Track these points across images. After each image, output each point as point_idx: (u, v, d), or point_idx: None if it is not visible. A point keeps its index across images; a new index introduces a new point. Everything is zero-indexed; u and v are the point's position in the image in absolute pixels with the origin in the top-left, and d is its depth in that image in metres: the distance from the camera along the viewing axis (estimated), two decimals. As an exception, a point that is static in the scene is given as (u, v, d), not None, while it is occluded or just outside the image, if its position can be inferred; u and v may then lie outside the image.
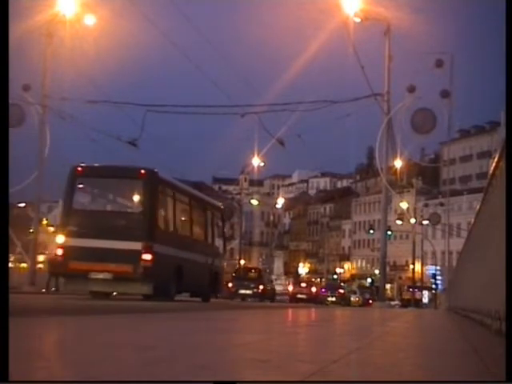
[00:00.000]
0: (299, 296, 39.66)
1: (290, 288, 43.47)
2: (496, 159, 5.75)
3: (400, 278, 79.14)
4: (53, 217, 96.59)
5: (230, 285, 32.39)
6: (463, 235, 32.63)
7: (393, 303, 51.86)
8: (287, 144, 29.07)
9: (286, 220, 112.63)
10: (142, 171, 15.39)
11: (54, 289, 23.54)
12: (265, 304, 26.53)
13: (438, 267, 58.69)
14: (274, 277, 66.39)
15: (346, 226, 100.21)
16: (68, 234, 15.23)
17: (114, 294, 16.40)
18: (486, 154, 76.60)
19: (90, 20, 24.05)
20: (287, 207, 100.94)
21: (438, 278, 56.82)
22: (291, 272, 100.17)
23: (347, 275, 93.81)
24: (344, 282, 78.98)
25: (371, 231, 60.47)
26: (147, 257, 14.63)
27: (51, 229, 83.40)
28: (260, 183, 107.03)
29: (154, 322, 7.52)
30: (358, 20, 23.80)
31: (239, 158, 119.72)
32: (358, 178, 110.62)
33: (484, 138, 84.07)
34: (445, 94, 23.92)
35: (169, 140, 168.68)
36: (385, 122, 24.66)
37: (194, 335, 5.41)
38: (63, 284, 16.39)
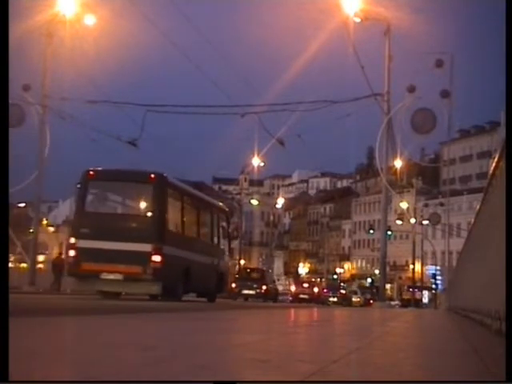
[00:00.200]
0: (301, 296, 39.89)
1: (293, 288, 43.61)
2: (496, 159, 5.75)
3: (400, 277, 79.12)
4: (53, 217, 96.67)
5: (233, 285, 32.52)
6: (463, 235, 32.63)
7: (393, 303, 51.87)
8: (287, 144, 29.11)
9: (286, 220, 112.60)
10: (152, 175, 15.96)
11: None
12: (267, 304, 26.59)
13: (438, 267, 58.69)
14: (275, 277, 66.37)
15: (346, 225, 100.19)
16: (80, 236, 15.67)
17: (123, 294, 16.74)
18: (486, 154, 76.58)
19: (89, 20, 24.06)
20: (287, 207, 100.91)
21: (438, 277, 56.82)
22: (291, 272, 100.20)
23: (347, 275, 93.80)
24: (344, 282, 79.01)
25: (371, 231, 60.46)
26: (157, 258, 15.15)
27: (51, 229, 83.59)
28: (260, 183, 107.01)
29: (154, 321, 7.52)
30: (358, 20, 23.80)
31: (239, 157, 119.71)
32: (357, 177, 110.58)
33: (484, 137, 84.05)
34: (445, 94, 23.92)
35: (169, 140, 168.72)
36: (385, 122, 24.66)
37: (194, 335, 5.40)
38: (75, 284, 16.73)
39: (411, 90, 24.26)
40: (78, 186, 16.47)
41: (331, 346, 5.33)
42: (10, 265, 34.43)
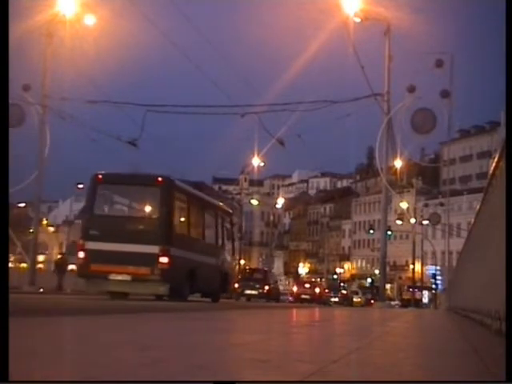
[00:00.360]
0: (303, 296, 40.02)
1: (295, 289, 43.73)
2: (496, 159, 5.75)
3: (400, 277, 79.12)
4: (53, 217, 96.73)
5: (236, 285, 32.68)
6: (463, 235, 32.63)
7: (393, 303, 51.88)
8: (287, 144, 29.09)
9: (286, 220, 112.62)
10: (160, 179, 16.33)
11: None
12: (269, 304, 26.65)
13: (438, 267, 58.70)
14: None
15: (346, 225, 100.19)
16: (89, 238, 16.02)
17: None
18: (486, 154, 76.58)
19: (90, 20, 24.05)
20: (287, 207, 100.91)
21: (438, 277, 56.83)
22: (291, 272, 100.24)
23: (347, 275, 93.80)
24: (344, 282, 79.05)
25: (371, 231, 60.49)
26: (164, 260, 15.55)
27: (51, 229, 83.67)
28: (260, 183, 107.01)
29: (154, 321, 7.51)
30: (358, 20, 23.79)
31: (239, 157, 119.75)
32: (358, 177, 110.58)
33: (484, 137, 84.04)
34: (445, 94, 23.91)
35: (169, 140, 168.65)
36: (385, 122, 24.65)
37: (193, 335, 5.40)
38: (84, 285, 16.94)
39: (411, 90, 24.25)
40: (87, 189, 16.94)
41: (331, 345, 5.33)
42: (10, 265, 34.46)
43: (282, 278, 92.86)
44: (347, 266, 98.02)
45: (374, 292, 50.59)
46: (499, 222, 5.39)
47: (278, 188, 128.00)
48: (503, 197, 4.87)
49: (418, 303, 54.45)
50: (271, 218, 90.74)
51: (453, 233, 50.36)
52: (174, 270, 15.80)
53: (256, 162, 38.74)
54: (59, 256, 32.00)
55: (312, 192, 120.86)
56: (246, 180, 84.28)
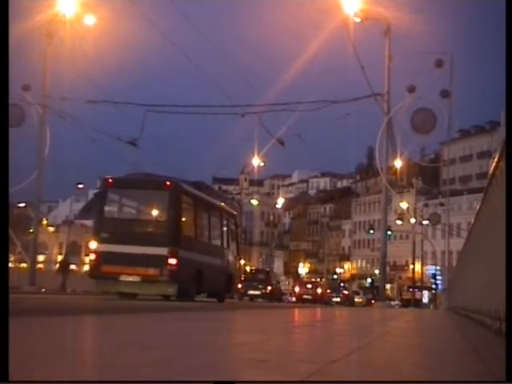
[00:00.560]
0: (305, 297, 40.16)
1: (297, 289, 43.86)
2: (496, 159, 5.75)
3: (400, 277, 79.10)
4: (53, 217, 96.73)
5: (239, 286, 32.92)
6: (463, 235, 32.63)
7: (393, 303, 51.89)
8: (287, 144, 29.14)
9: (286, 220, 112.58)
10: (168, 183, 16.80)
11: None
12: (272, 304, 26.71)
13: (438, 267, 58.69)
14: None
15: (346, 226, 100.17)
16: (100, 241, 16.48)
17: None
18: (486, 154, 76.58)
19: (90, 20, 24.04)
20: (287, 207, 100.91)
21: (438, 278, 56.82)
22: (291, 272, 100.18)
23: (347, 275, 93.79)
24: (344, 282, 79.05)
25: (371, 231, 60.49)
26: (173, 261, 15.95)
27: (51, 229, 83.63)
28: (260, 183, 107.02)
29: (155, 321, 7.51)
30: (358, 20, 23.79)
31: (239, 157, 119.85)
32: (358, 177, 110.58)
33: (484, 137, 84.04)
34: (445, 94, 23.91)
35: (169, 140, 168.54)
36: (385, 122, 24.65)
37: (194, 335, 5.40)
38: (95, 285, 17.25)
39: (411, 90, 24.25)
40: (97, 193, 17.26)
41: (331, 345, 5.33)
42: (10, 265, 34.45)
43: (283, 277, 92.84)
44: (347, 265, 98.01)
45: (375, 292, 50.60)
46: (499, 221, 5.39)
47: (278, 188, 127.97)
48: (503, 197, 4.87)
49: (417, 303, 54.43)
50: (271, 217, 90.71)
51: (453, 233, 50.38)
52: (181, 271, 16.17)
53: (256, 161, 38.75)
54: (63, 256, 32.03)
55: (312, 192, 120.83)
56: (245, 180, 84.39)
